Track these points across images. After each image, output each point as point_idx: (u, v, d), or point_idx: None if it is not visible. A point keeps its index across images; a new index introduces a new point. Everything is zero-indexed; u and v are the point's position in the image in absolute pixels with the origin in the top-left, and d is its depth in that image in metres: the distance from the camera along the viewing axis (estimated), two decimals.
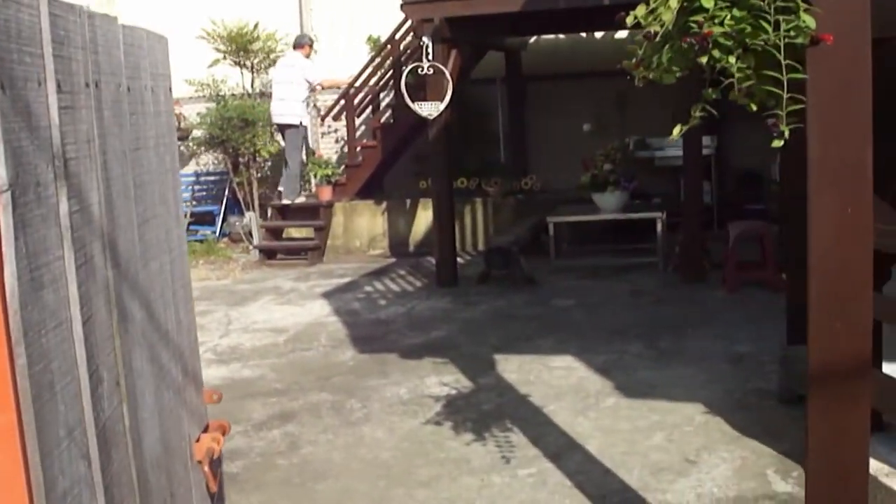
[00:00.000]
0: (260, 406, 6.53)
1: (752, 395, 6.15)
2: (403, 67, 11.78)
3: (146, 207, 2.25)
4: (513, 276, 10.27)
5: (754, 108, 2.83)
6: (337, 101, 13.45)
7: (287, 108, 12.71)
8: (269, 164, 14.57)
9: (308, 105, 13.12)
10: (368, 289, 10.53)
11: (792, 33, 2.62)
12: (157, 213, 2.37)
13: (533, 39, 13.98)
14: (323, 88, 13.27)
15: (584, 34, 13.87)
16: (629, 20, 2.87)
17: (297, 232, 13.40)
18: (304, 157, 13.33)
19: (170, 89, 2.52)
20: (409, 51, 12.86)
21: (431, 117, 10.09)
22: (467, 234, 12.77)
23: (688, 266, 9.90)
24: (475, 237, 12.82)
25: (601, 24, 13.01)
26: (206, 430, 2.77)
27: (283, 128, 12.91)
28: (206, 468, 2.54)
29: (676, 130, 2.92)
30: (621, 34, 13.68)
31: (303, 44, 13.01)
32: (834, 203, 2.82)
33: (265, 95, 14.32)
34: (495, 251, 10.22)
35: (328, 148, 14.66)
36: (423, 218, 12.86)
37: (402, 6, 10.25)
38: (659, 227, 10.57)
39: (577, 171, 11.53)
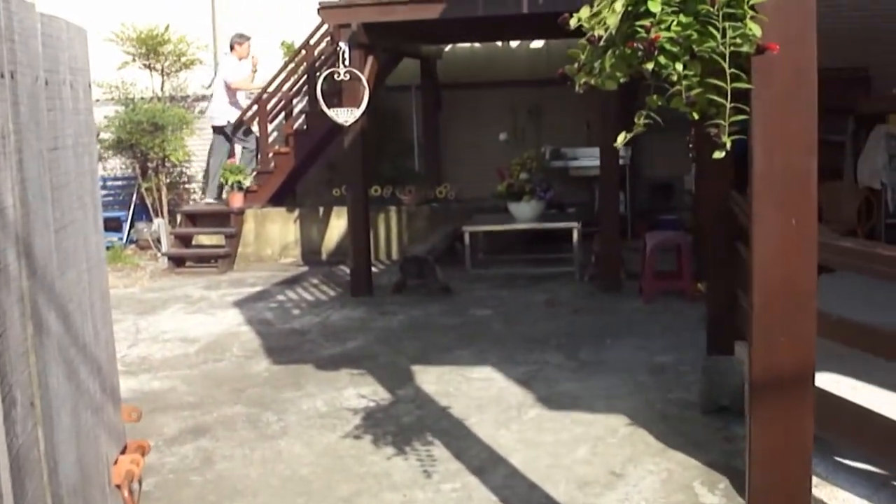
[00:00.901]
0: (172, 420, 6.30)
1: (675, 405, 6.13)
2: (318, 73, 11.61)
3: (64, 212, 2.08)
4: (429, 286, 10.17)
5: (696, 116, 2.75)
6: (249, 107, 13.19)
7: (213, 108, 13.06)
8: (179, 169, 14.26)
9: (236, 105, 13.01)
10: (281, 298, 10.33)
11: (738, 41, 2.55)
12: (75, 218, 2.20)
13: (449, 47, 13.91)
14: (232, 90, 13.02)
15: (500, 43, 13.84)
16: (572, 23, 2.78)
17: (208, 239, 13.10)
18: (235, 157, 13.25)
19: (89, 85, 2.35)
20: (323, 56, 12.68)
21: (347, 124, 9.93)
22: (381, 242, 12.63)
23: (605, 276, 9.90)
24: (389, 246, 12.68)
25: (518, 33, 13.04)
26: (124, 450, 2.60)
27: (214, 128, 13.10)
28: (126, 493, 2.37)
29: (620, 138, 2.84)
30: (537, 44, 13.74)
31: (232, 44, 12.96)
32: (778, 215, 2.77)
33: (175, 99, 14.02)
34: (411, 260, 10.10)
35: (240, 154, 14.35)
36: (337, 226, 12.70)
37: (318, 10, 10.08)
38: (575, 236, 10.55)
39: (493, 180, 11.48)
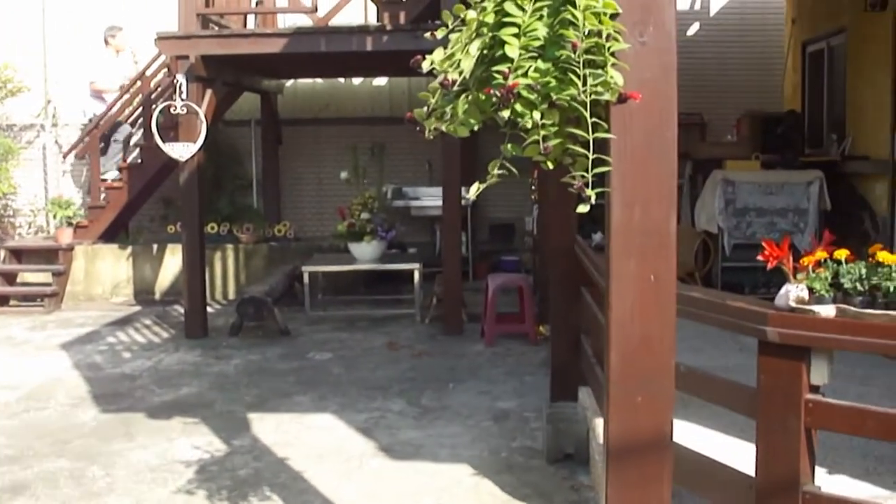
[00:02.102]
0: None
1: (520, 453, 6.01)
2: (154, 106, 11.22)
3: None
4: (266, 328, 9.87)
5: (551, 166, 2.63)
6: (81, 139, 12.65)
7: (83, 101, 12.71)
8: (3, 202, 13.55)
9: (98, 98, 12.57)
10: (112, 340, 9.83)
11: (599, 89, 2.44)
12: None
13: (290, 82, 13.67)
14: (94, 90, 12.48)
15: (342, 80, 13.69)
16: (425, 65, 2.62)
17: (34, 277, 12.42)
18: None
19: None
20: (159, 88, 12.28)
21: (183, 159, 9.58)
22: (218, 282, 12.23)
23: (447, 318, 9.78)
24: (226, 285, 12.29)
25: (360, 71, 12.92)
26: None
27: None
28: None
29: (474, 189, 2.69)
30: (379, 81, 13.65)
31: (105, 38, 12.51)
32: (636, 271, 2.67)
33: (1, 128, 13.34)
34: (248, 301, 9.76)
35: (70, 188, 13.75)
36: (171, 264, 12.25)
37: (155, 41, 9.72)
38: (416, 277, 10.42)
39: (334, 218, 11.29)
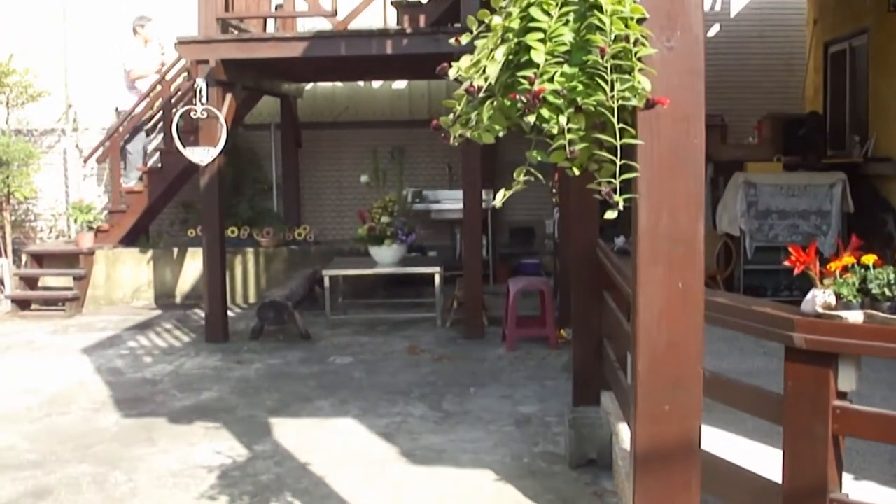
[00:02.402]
0: (9, 482, 5.83)
1: (542, 459, 5.98)
2: (174, 109, 11.25)
3: None
4: (287, 332, 9.87)
5: (577, 172, 2.61)
6: (101, 143, 12.69)
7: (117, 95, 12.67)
8: (25, 206, 13.60)
9: (133, 91, 12.58)
10: (133, 344, 9.85)
11: (627, 94, 2.42)
12: None
13: (310, 86, 13.67)
14: (132, 78, 12.49)
15: (362, 83, 13.69)
16: (451, 73, 2.60)
17: (55, 281, 12.47)
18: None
19: None
20: (179, 92, 12.31)
21: (204, 163, 9.60)
22: (238, 285, 12.24)
23: (467, 322, 9.76)
24: (246, 289, 12.30)
25: (380, 74, 12.92)
26: None
27: None
28: None
29: (500, 196, 2.66)
30: (399, 85, 13.64)
31: (134, 28, 12.46)
32: (664, 277, 2.64)
33: (21, 133, 13.38)
34: (269, 305, 9.76)
35: (91, 192, 13.79)
36: (191, 268, 12.26)
37: (176, 45, 9.75)
38: (437, 281, 10.40)
39: (354, 222, 11.28)
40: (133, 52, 12.41)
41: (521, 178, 2.59)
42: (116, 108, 12.67)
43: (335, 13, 9.64)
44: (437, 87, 13.40)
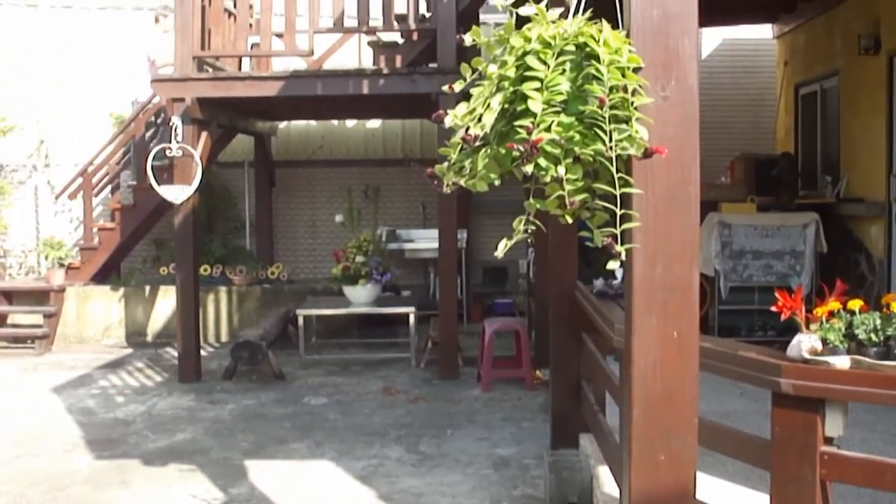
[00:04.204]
0: None
1: (522, 502, 5.94)
2: (149, 147, 11.20)
3: None
4: (261, 372, 9.79)
5: (569, 220, 2.60)
6: (73, 179, 12.60)
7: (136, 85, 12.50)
8: None
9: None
10: (104, 383, 9.73)
11: (625, 144, 2.42)
12: None
13: (284, 124, 13.66)
14: (156, 68, 12.31)
15: (336, 121, 13.68)
16: (448, 121, 2.59)
17: (25, 318, 12.32)
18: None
19: None
20: (154, 128, 12.25)
21: (178, 202, 9.53)
22: (211, 324, 12.14)
23: (442, 362, 9.71)
24: (219, 328, 12.21)
25: (355, 113, 12.93)
26: None
27: None
28: None
29: (501, 246, 2.64)
30: (373, 123, 13.65)
31: (156, 17, 12.13)
32: (659, 326, 2.63)
33: None
34: (242, 345, 9.66)
35: (62, 228, 13.66)
36: (163, 306, 12.17)
37: (152, 83, 9.73)
38: (412, 321, 10.36)
39: (327, 260, 11.24)
40: (156, 41, 12.19)
41: (521, 227, 2.57)
42: (134, 101, 12.54)
43: (311, 53, 9.65)
44: (411, 126, 13.43)
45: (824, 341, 3.60)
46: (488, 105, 2.53)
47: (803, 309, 3.69)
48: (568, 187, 2.43)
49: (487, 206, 12.38)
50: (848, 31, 10.17)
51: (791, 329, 3.70)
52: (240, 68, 11.16)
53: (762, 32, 13.42)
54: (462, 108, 2.57)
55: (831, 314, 3.68)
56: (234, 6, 10.42)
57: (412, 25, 9.75)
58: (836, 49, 10.61)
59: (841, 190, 10.34)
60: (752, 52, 13.60)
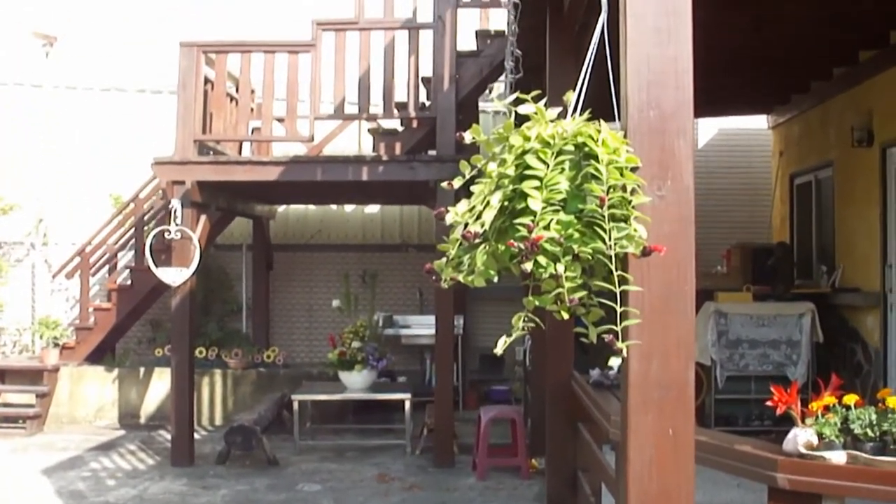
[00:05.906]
0: None
1: None
2: (147, 228, 11.27)
3: None
4: (254, 457, 9.71)
5: (566, 316, 2.62)
6: (71, 258, 12.64)
7: None
8: None
9: None
10: (95, 466, 9.65)
11: (624, 242, 2.45)
12: None
13: (282, 208, 13.75)
14: None
15: (334, 206, 13.78)
16: (449, 218, 2.63)
17: (17, 397, 12.24)
18: None
19: None
20: (153, 210, 12.34)
21: (176, 284, 9.56)
22: (205, 407, 12.07)
23: (438, 449, 9.64)
24: (213, 411, 12.14)
25: (354, 198, 13.02)
26: None
27: None
28: None
29: (501, 343, 2.66)
30: (372, 209, 13.73)
31: None
32: (654, 424, 2.64)
33: None
34: (237, 430, 9.60)
35: (58, 307, 13.66)
36: (157, 388, 12.12)
37: (152, 166, 9.80)
38: (407, 407, 10.31)
39: (323, 345, 11.21)
40: None
41: (521, 324, 2.60)
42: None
43: (312, 139, 9.77)
44: (409, 212, 13.53)
45: (820, 436, 3.61)
46: (488, 202, 2.57)
47: (799, 403, 3.70)
48: (567, 284, 2.45)
49: (484, 292, 12.37)
50: (841, 123, 10.33)
51: (788, 418, 3.71)
52: (240, 152, 11.27)
53: (757, 123, 13.59)
54: (463, 205, 2.61)
55: (827, 408, 3.70)
56: (237, 90, 10.56)
57: (412, 113, 9.87)
58: (830, 140, 10.76)
59: (836, 280, 10.40)
60: (748, 142, 13.76)
